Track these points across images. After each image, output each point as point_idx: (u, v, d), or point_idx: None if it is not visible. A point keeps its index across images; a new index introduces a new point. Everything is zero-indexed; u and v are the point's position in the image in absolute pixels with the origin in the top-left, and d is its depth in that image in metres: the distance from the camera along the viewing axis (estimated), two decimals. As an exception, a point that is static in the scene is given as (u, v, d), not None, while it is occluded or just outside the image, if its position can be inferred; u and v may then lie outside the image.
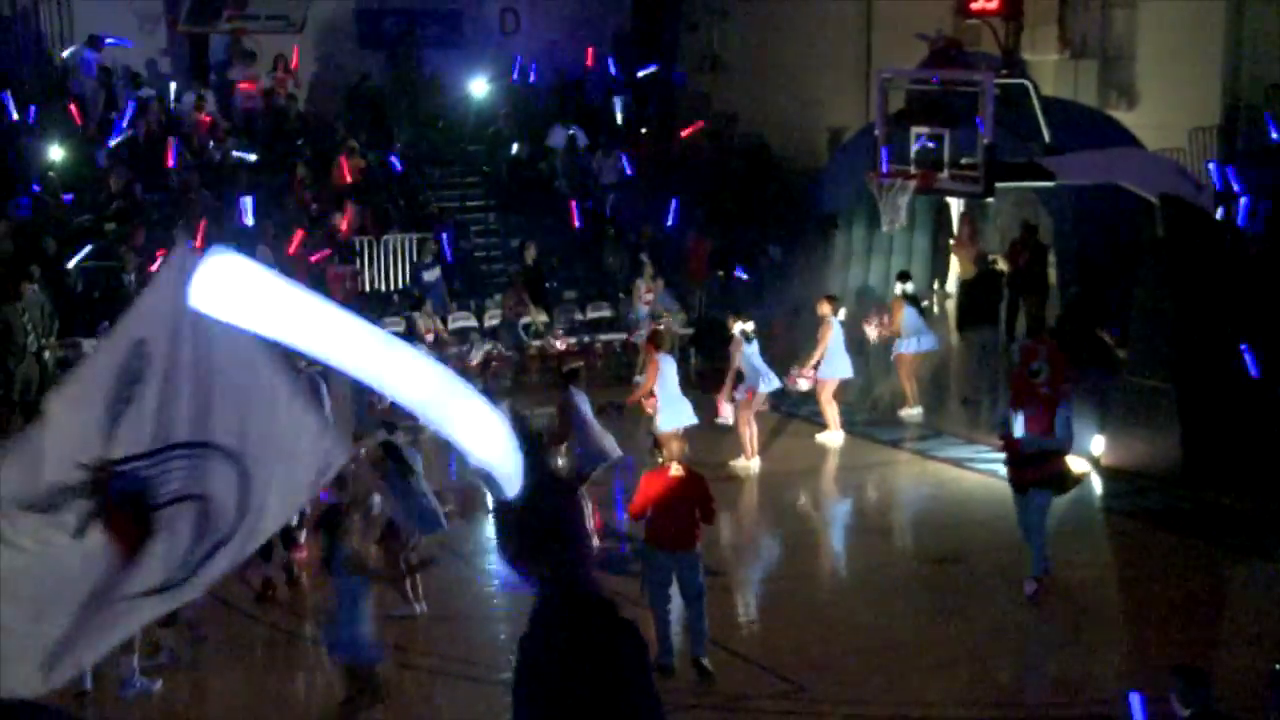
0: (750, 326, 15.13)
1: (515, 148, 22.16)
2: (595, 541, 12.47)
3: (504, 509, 1.73)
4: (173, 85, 21.54)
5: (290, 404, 5.41)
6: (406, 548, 11.00)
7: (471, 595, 11.98)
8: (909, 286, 17.02)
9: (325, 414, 6.08)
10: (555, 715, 1.56)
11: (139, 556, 5.34)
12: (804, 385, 15.84)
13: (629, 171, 22.11)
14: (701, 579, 10.11)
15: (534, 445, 1.78)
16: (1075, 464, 12.31)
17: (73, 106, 20.10)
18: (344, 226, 19.75)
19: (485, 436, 1.78)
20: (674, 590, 10.14)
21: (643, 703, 1.59)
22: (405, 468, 10.89)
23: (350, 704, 8.84)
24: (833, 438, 16.05)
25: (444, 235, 19.95)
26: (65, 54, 20.84)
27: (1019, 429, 11.40)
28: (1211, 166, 17.43)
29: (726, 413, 14.99)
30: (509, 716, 1.78)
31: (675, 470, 10.04)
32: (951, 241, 20.27)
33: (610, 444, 12.78)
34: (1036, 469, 11.42)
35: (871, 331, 16.75)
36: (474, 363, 18.17)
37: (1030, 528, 11.52)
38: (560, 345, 18.82)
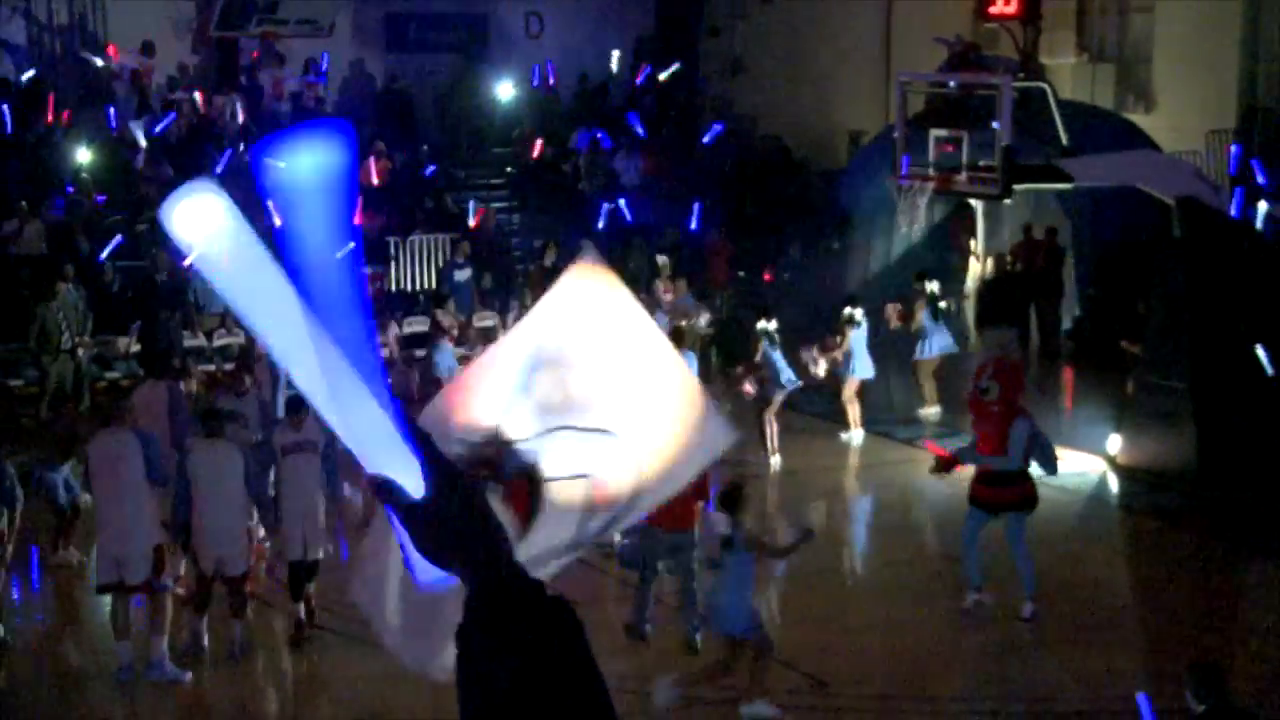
0: (774, 326, 15.14)
1: (538, 150, 22.17)
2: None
3: (411, 510, 1.73)
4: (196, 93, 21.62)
5: (675, 389, 5.84)
6: None
7: None
8: (934, 286, 17.03)
9: (710, 397, 6.38)
10: (497, 701, 1.57)
11: (528, 529, 5.71)
12: (820, 367, 15.67)
13: (650, 174, 22.11)
14: (695, 561, 10.34)
15: (428, 443, 1.78)
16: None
17: (110, 110, 20.20)
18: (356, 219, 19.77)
19: (379, 439, 1.77)
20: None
21: (582, 676, 1.60)
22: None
23: (718, 670, 9.32)
24: (853, 436, 16.04)
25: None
26: (99, 62, 20.93)
27: (971, 448, 11.07)
28: (1235, 149, 17.34)
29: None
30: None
31: None
32: (952, 224, 20.22)
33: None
34: (1002, 489, 10.90)
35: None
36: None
37: (1014, 552, 11.03)
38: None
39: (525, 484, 5.57)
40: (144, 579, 9.86)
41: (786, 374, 14.98)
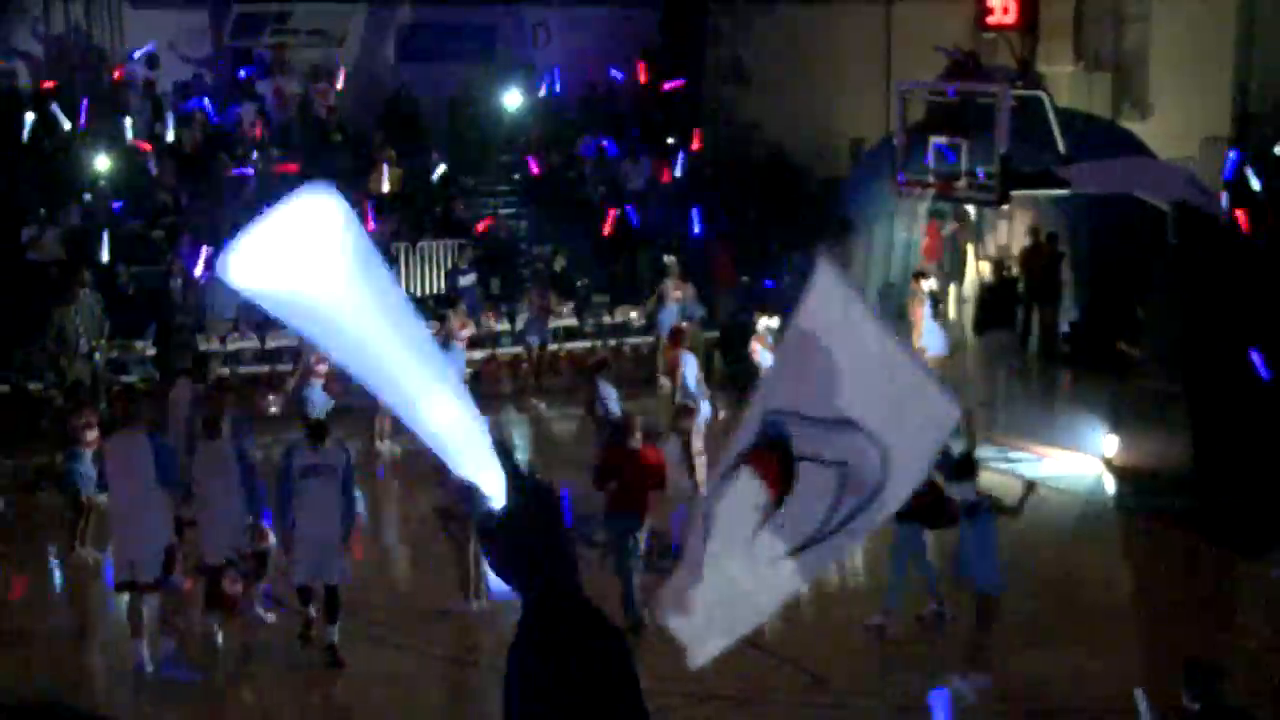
0: (776, 323, 15.14)
1: (542, 163, 22.20)
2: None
3: (487, 521, 1.72)
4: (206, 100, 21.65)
5: (910, 376, 6.30)
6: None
7: None
8: (930, 285, 17.06)
9: (939, 375, 6.87)
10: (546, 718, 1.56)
11: (779, 514, 6.05)
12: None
13: (677, 176, 22.14)
14: (640, 547, 10.75)
15: (513, 456, 1.76)
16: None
17: (124, 120, 20.23)
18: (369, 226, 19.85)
19: (468, 448, 1.76)
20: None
21: (629, 707, 1.58)
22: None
23: (982, 624, 9.89)
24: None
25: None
26: (115, 74, 20.96)
27: None
28: (1233, 154, 17.32)
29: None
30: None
31: (634, 444, 10.74)
32: (925, 240, 20.19)
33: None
34: (916, 499, 10.89)
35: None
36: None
37: (917, 559, 10.96)
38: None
39: (777, 455, 6.01)
40: (155, 578, 9.89)
41: None
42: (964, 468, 10.00)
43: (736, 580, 6.35)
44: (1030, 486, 10.60)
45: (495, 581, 1.81)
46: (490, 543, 1.80)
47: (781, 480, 6.03)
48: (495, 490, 1.79)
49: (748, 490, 6.31)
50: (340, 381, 16.74)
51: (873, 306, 6.61)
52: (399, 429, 16.26)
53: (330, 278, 1.79)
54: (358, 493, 10.92)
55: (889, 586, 10.89)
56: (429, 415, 1.82)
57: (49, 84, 20.62)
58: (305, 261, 1.74)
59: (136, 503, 9.91)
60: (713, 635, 6.30)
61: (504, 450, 1.83)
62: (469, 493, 1.83)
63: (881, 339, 6.14)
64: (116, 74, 21.02)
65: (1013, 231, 20.77)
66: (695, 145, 22.92)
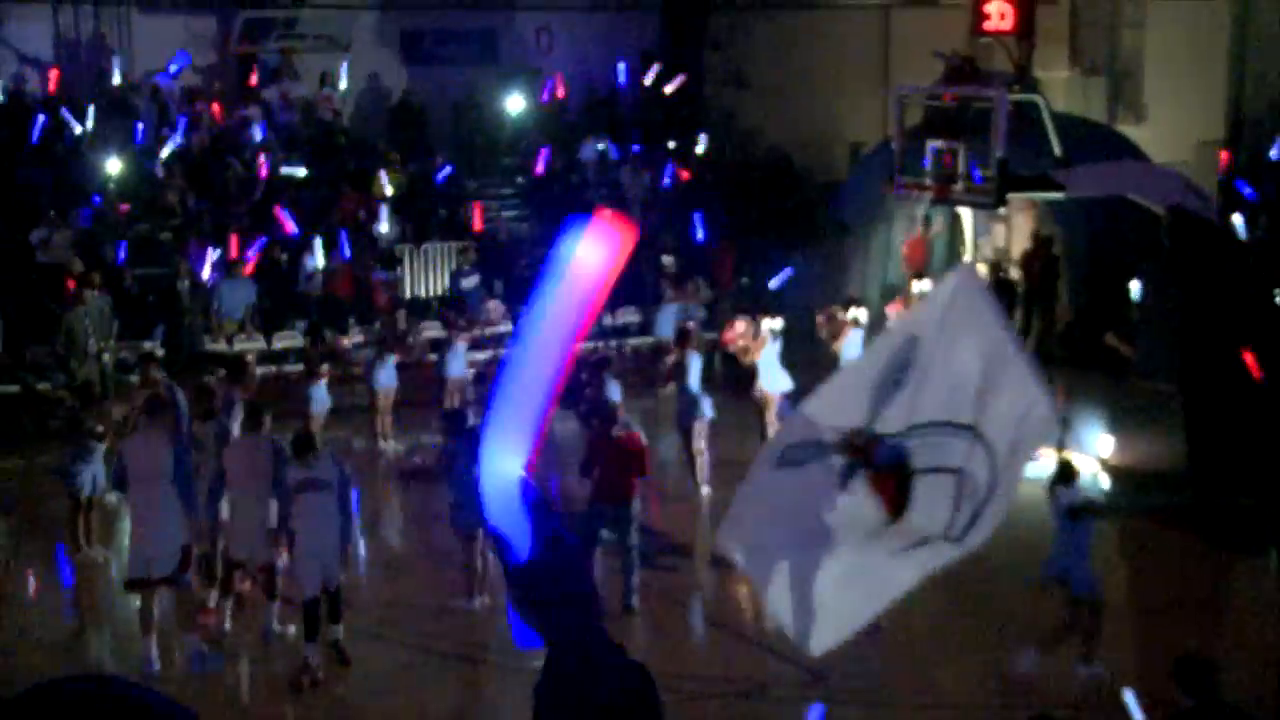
0: (779, 324, 15.15)
1: (543, 165, 22.22)
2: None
3: (515, 569, 1.76)
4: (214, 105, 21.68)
5: (1018, 383, 6.58)
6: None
7: None
8: (925, 286, 17.06)
9: (1044, 385, 7.08)
10: None
11: (899, 520, 6.30)
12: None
13: (665, 184, 22.14)
14: (634, 534, 10.92)
15: (543, 505, 1.80)
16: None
17: (137, 125, 20.26)
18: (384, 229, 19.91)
19: (506, 495, 1.81)
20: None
21: None
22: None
23: (1063, 629, 9.93)
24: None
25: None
26: (117, 81, 20.97)
27: None
28: (1225, 156, 17.34)
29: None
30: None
31: (618, 433, 10.93)
32: (904, 249, 20.18)
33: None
34: None
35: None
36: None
37: None
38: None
39: (894, 476, 6.21)
40: (170, 573, 9.92)
41: (779, 376, 14.94)
42: (1066, 473, 10.17)
43: (856, 575, 6.70)
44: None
45: (520, 632, 1.86)
46: (517, 591, 1.85)
47: (898, 500, 6.30)
48: (521, 542, 1.85)
49: (865, 504, 6.61)
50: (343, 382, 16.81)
51: (999, 316, 6.85)
52: (399, 429, 16.30)
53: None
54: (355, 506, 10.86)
55: None
56: (489, 456, 1.90)
57: (59, 89, 20.65)
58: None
59: (154, 502, 9.93)
60: (832, 626, 6.70)
61: (540, 507, 1.88)
62: (498, 543, 1.88)
63: (1008, 347, 6.44)
64: (117, 79, 21.03)
65: (1012, 235, 20.77)
66: (699, 149, 22.91)
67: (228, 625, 10.53)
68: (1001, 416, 6.55)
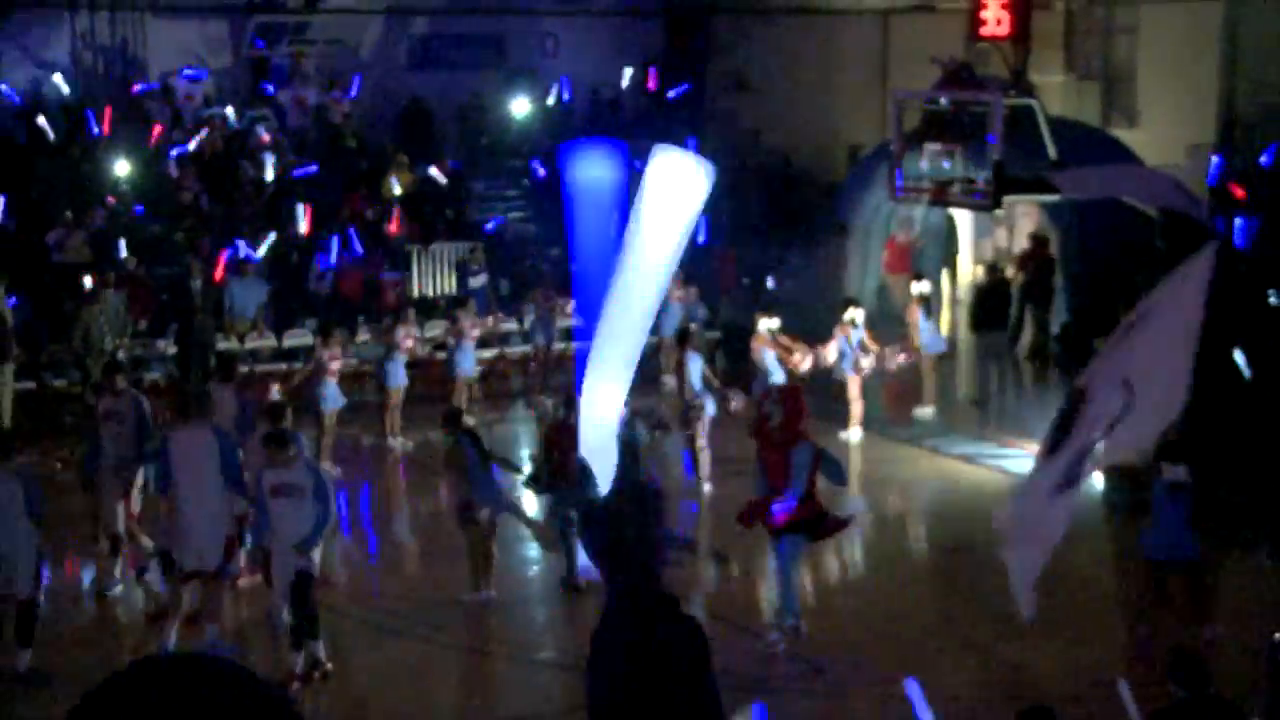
0: (776, 324, 15.14)
1: (547, 170, 22.23)
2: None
3: (591, 506, 1.72)
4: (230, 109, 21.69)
5: (1178, 362, 7.78)
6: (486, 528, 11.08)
7: (542, 582, 11.94)
8: (923, 288, 17.09)
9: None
10: (624, 708, 1.55)
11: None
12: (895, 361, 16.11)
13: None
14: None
15: (633, 450, 1.76)
16: (849, 506, 11.96)
17: (156, 128, 20.28)
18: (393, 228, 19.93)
19: (603, 432, 1.77)
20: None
21: (704, 694, 1.58)
22: (483, 452, 11.08)
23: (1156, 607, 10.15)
24: (852, 434, 16.02)
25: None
26: (137, 88, 21.00)
27: (760, 479, 10.28)
28: (1215, 161, 17.32)
29: (737, 404, 15.01)
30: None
31: (572, 420, 10.73)
32: (885, 254, 20.15)
33: (640, 428, 12.87)
34: (797, 510, 10.20)
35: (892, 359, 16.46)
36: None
37: (780, 574, 10.48)
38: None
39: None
40: (217, 566, 9.99)
41: (777, 376, 14.96)
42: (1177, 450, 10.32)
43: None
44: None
45: (586, 564, 1.82)
46: (590, 530, 1.81)
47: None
48: (604, 479, 1.81)
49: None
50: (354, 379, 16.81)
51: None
52: (409, 425, 16.30)
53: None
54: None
55: (786, 597, 10.45)
56: (606, 380, 1.83)
57: (76, 92, 20.68)
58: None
59: (203, 494, 9.98)
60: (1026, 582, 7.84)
61: (628, 447, 1.83)
62: (583, 473, 1.82)
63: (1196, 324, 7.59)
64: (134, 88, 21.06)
65: (1013, 237, 20.74)
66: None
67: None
68: (1154, 389, 7.81)
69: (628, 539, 1.70)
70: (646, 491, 1.72)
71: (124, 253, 18.25)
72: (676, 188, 2.09)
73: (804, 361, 15.24)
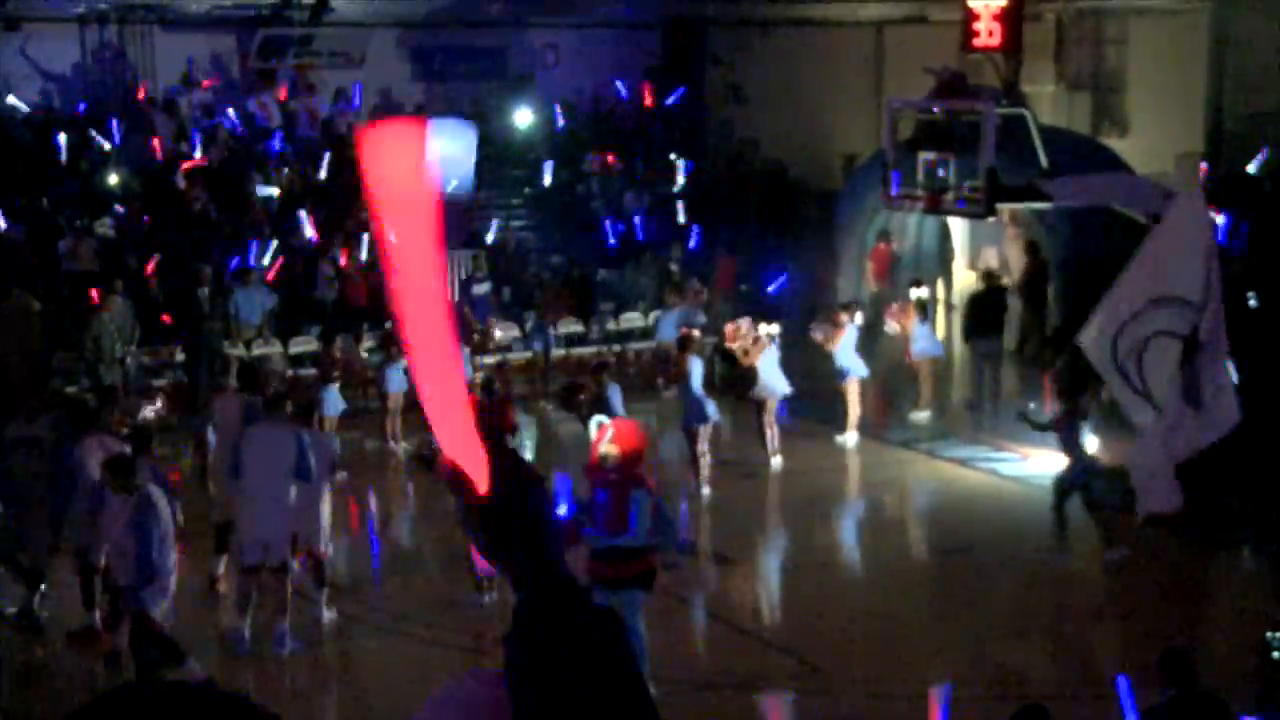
0: (776, 330, 15.16)
1: (551, 176, 22.25)
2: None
3: (470, 506, 1.65)
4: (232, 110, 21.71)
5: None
6: None
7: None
8: (921, 293, 17.12)
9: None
10: (548, 708, 1.51)
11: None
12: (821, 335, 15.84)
13: (659, 196, 22.18)
14: None
15: (500, 439, 1.68)
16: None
17: (155, 141, 20.29)
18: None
19: (458, 427, 1.70)
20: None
21: (629, 685, 1.56)
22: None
23: None
24: (849, 438, 16.03)
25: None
26: (142, 97, 21.03)
27: (594, 520, 8.99)
28: (1204, 167, 17.37)
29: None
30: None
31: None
32: (870, 260, 20.16)
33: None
34: (621, 565, 9.02)
35: (892, 325, 16.79)
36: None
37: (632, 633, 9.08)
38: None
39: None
40: (282, 560, 10.07)
41: (778, 381, 14.95)
42: None
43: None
44: None
45: (482, 564, 1.78)
46: (474, 528, 1.75)
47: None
48: (479, 474, 1.73)
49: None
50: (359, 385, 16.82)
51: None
52: (410, 430, 16.30)
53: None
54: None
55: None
56: (426, 369, 1.78)
57: (84, 105, 20.70)
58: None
59: (273, 491, 10.10)
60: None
61: (492, 431, 1.76)
62: (449, 473, 1.76)
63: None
64: (140, 93, 21.08)
65: (1008, 250, 20.76)
66: (679, 178, 22.93)
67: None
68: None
69: (517, 530, 1.63)
70: (526, 479, 1.64)
71: (133, 262, 18.25)
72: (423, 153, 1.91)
73: (757, 355, 15.03)
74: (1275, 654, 8.00)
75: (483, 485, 1.72)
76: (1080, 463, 12.04)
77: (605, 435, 9.14)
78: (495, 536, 1.72)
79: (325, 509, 10.67)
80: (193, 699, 1.46)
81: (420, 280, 1.77)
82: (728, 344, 15.42)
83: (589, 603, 1.69)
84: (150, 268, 18.16)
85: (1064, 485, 12.15)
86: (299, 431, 10.37)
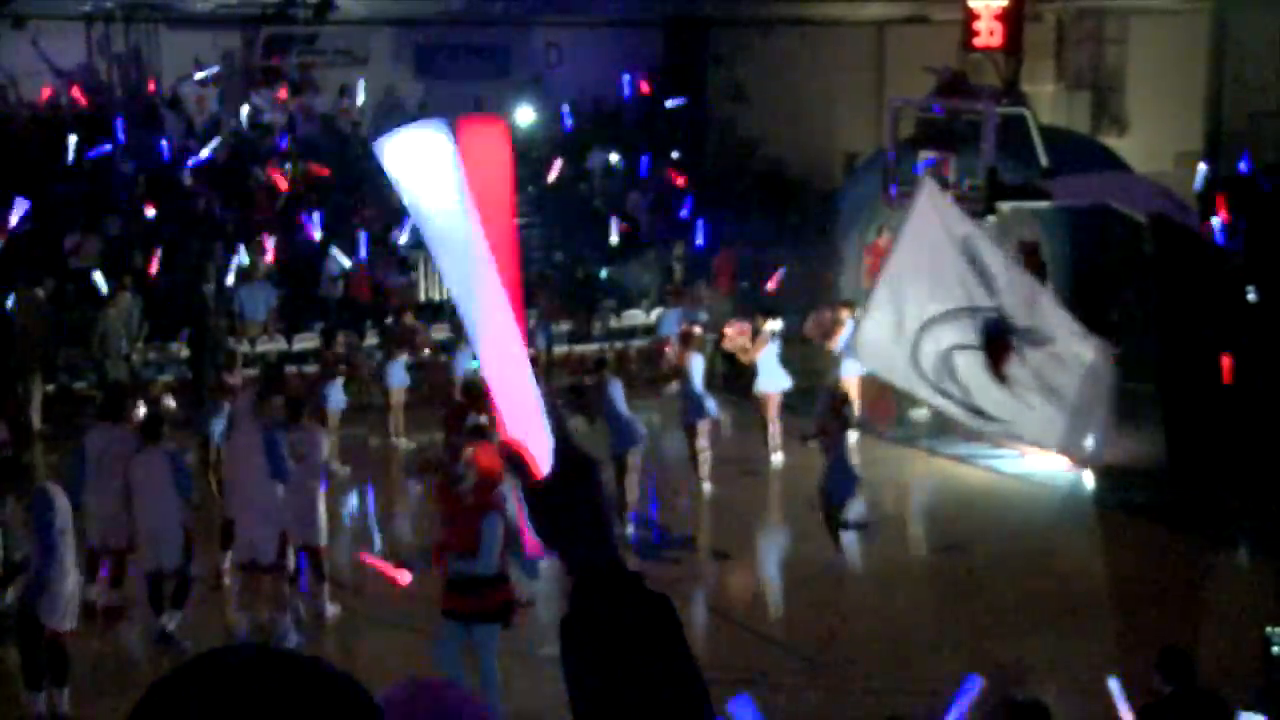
0: (778, 326, 15.12)
1: (555, 172, 22.23)
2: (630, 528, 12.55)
3: (534, 489, 1.65)
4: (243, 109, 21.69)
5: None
6: None
7: (545, 579, 11.80)
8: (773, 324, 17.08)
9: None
10: (604, 692, 1.51)
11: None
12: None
13: (661, 194, 22.15)
14: None
15: (563, 426, 1.68)
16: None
17: (162, 139, 20.29)
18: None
19: (523, 408, 1.70)
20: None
21: (684, 670, 1.55)
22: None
23: None
24: (849, 436, 15.97)
25: None
26: (158, 90, 21.03)
27: (445, 552, 8.66)
28: (1202, 168, 17.35)
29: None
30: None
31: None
32: (868, 256, 20.11)
33: (640, 429, 12.86)
34: (474, 598, 8.56)
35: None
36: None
37: (481, 671, 8.64)
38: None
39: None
40: (272, 560, 10.05)
41: (778, 376, 14.92)
42: None
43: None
44: None
45: (532, 546, 1.75)
46: (534, 511, 1.74)
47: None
48: (542, 458, 1.73)
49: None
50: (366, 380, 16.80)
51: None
52: (413, 426, 16.29)
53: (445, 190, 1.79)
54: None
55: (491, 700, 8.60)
56: (494, 352, 1.78)
57: (91, 103, 20.68)
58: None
59: (256, 489, 10.12)
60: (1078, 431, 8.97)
61: (556, 415, 1.75)
62: (515, 459, 1.76)
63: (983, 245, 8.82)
64: (153, 89, 21.08)
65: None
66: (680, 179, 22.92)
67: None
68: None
69: (576, 514, 1.63)
70: (586, 462, 1.65)
71: (138, 259, 18.25)
72: (424, 165, 1.90)
73: (758, 351, 15.00)
74: (1275, 649, 7.99)
75: (543, 469, 1.71)
76: (845, 474, 11.62)
77: (461, 456, 8.71)
78: (554, 521, 1.72)
79: (320, 504, 10.58)
80: (287, 669, 1.43)
81: (494, 266, 1.79)
82: (725, 345, 15.41)
83: (644, 587, 1.69)
84: (154, 265, 18.14)
85: (832, 497, 11.67)
86: (271, 432, 10.31)
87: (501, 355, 1.75)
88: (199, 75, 21.25)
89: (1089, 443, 9.19)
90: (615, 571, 1.67)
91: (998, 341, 8.83)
